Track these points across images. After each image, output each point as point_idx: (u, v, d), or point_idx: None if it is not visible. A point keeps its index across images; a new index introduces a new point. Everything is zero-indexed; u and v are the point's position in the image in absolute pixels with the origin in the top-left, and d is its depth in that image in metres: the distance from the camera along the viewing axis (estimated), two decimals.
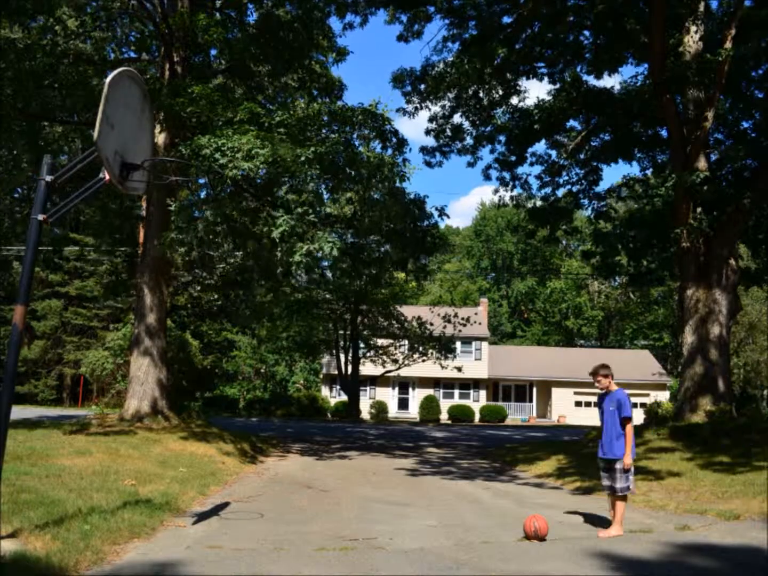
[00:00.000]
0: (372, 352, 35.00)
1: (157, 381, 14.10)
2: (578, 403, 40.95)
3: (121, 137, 5.49)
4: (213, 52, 17.68)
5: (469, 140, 18.51)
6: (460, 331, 32.27)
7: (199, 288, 29.95)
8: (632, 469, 6.43)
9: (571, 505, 8.26)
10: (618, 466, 6.36)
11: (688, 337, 13.99)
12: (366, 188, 13.13)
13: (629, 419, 6.38)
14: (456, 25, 16.53)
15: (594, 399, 42.15)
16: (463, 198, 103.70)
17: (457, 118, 18.32)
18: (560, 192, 19.03)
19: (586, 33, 16.86)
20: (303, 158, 11.08)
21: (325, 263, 15.09)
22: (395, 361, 34.42)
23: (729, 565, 5.42)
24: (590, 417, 38.38)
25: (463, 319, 31.55)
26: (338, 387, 37.38)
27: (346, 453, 15.18)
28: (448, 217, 15.23)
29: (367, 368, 35.93)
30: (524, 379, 42.10)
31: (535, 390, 41.87)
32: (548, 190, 18.93)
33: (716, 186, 14.75)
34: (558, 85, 17.64)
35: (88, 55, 16.23)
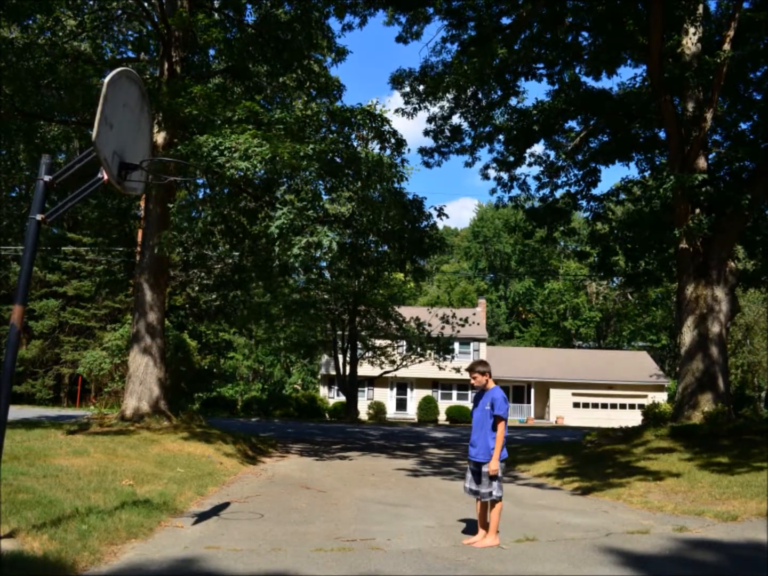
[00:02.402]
0: (370, 353, 34.99)
1: (157, 380, 14.09)
2: (576, 404, 41.02)
3: (120, 137, 5.49)
4: (211, 52, 17.69)
5: (467, 141, 18.55)
6: (458, 331, 32.27)
7: (197, 288, 29.95)
8: (501, 475, 6.00)
9: (570, 506, 8.27)
10: (485, 470, 5.95)
11: (687, 334, 14.00)
12: (365, 187, 13.13)
13: (502, 419, 5.94)
14: (455, 26, 16.54)
15: (593, 400, 42.45)
16: (462, 199, 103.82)
17: (455, 119, 18.35)
18: (558, 193, 19.08)
19: (585, 34, 16.89)
20: (302, 154, 11.07)
21: (323, 263, 15.07)
22: (393, 361, 34.41)
23: (730, 559, 5.43)
24: (588, 418, 38.46)
25: (461, 319, 31.55)
26: (336, 387, 37.38)
27: (347, 453, 15.17)
28: (447, 217, 15.19)
29: (365, 369, 35.92)
30: (522, 380, 42.13)
31: (533, 391, 41.90)
32: (546, 191, 18.97)
33: (715, 187, 14.77)
34: (557, 86, 17.66)
35: (86, 55, 16.23)
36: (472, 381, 6.16)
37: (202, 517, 6.85)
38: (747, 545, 6.00)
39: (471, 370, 6.16)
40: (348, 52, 17.64)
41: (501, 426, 5.93)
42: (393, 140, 13.67)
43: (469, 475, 6.19)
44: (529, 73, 17.69)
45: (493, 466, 5.87)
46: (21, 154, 16.52)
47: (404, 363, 34.28)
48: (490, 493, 5.92)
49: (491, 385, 6.14)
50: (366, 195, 13.52)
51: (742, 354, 41.96)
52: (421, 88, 16.71)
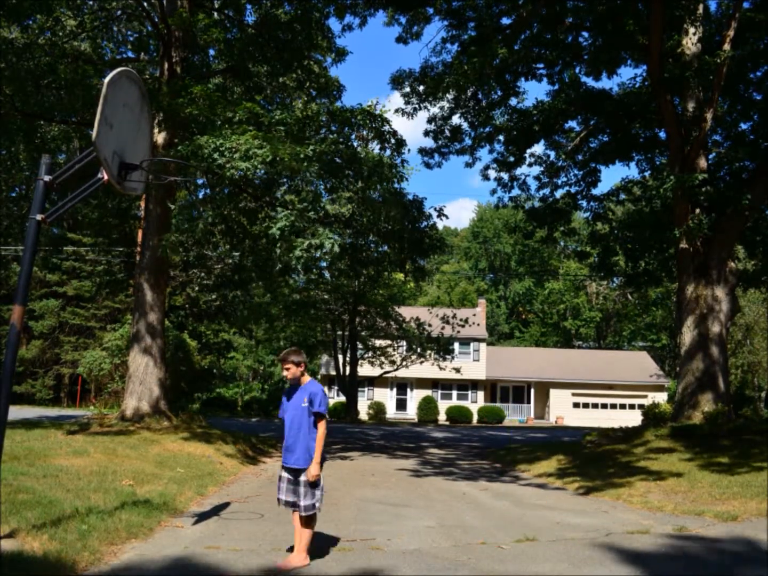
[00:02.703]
0: (370, 353, 34.98)
1: (157, 380, 14.09)
2: (576, 404, 41.01)
3: (120, 137, 5.49)
4: (211, 52, 17.70)
5: (467, 141, 18.55)
6: (458, 332, 32.29)
7: (197, 288, 29.97)
8: (322, 483, 5.23)
9: (570, 506, 8.27)
10: (303, 478, 5.15)
11: (687, 334, 14.01)
12: (365, 188, 13.14)
13: (324, 417, 5.18)
14: (455, 27, 16.55)
15: (593, 400, 42.43)
16: (461, 200, 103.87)
17: (455, 119, 18.36)
18: (558, 193, 19.09)
19: (585, 34, 16.89)
20: (302, 156, 11.08)
21: (324, 263, 15.09)
22: (393, 362, 34.41)
23: (730, 559, 5.43)
24: (588, 418, 38.46)
25: (461, 320, 31.55)
26: (336, 388, 37.39)
27: (347, 454, 15.17)
28: (447, 217, 15.18)
29: (365, 369, 35.92)
30: (522, 380, 42.12)
31: (533, 391, 41.88)
32: (546, 191, 18.98)
33: (715, 187, 14.78)
34: (557, 86, 17.66)
35: (86, 55, 16.24)
36: (285, 372, 5.25)
37: (202, 517, 6.85)
38: (747, 545, 6.00)
39: (284, 360, 5.24)
40: (348, 53, 17.64)
41: (322, 425, 5.19)
42: (393, 140, 13.68)
43: (283, 484, 5.27)
44: (529, 73, 17.70)
45: (314, 471, 5.11)
46: (21, 154, 16.53)
47: (404, 363, 34.28)
48: (313, 505, 5.16)
49: (307, 378, 5.33)
50: (366, 195, 13.53)
51: (742, 354, 41.96)
52: (421, 88, 16.72)
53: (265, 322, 33.29)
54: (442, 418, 38.66)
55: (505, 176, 19.04)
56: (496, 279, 67.04)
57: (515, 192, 19.17)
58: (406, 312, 36.83)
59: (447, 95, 16.79)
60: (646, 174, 18.97)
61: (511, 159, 18.71)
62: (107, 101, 5.14)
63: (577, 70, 17.48)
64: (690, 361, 13.85)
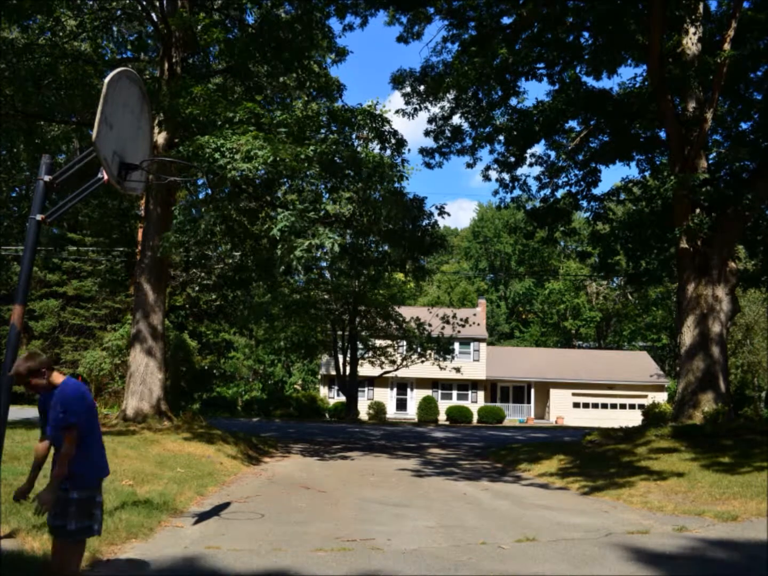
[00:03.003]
0: (370, 353, 34.97)
1: (158, 380, 14.09)
2: (576, 404, 41.00)
3: (120, 137, 5.49)
4: (211, 52, 17.69)
5: (468, 141, 18.56)
6: (459, 331, 32.28)
7: (197, 288, 29.98)
8: (82, 504, 4.00)
9: (571, 506, 8.26)
10: (67, 495, 3.94)
11: (687, 334, 14.01)
12: (366, 188, 13.13)
13: (68, 427, 3.92)
14: (455, 26, 16.55)
15: (593, 400, 42.34)
16: (459, 200, 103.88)
17: (456, 120, 18.37)
18: (559, 193, 19.09)
19: (586, 34, 16.88)
20: (303, 156, 11.07)
21: (324, 263, 15.10)
22: (393, 362, 34.40)
23: (730, 559, 5.42)
24: (588, 418, 38.47)
25: (461, 320, 31.55)
26: (337, 387, 37.38)
27: (348, 454, 15.17)
28: (448, 215, 15.18)
29: (366, 369, 35.91)
30: (522, 380, 42.10)
31: (533, 391, 41.87)
32: (547, 191, 18.98)
33: (715, 187, 14.78)
34: (557, 86, 17.66)
35: (86, 55, 16.23)
36: (31, 390, 4.09)
37: (202, 517, 6.85)
38: (747, 545, 5.99)
39: (18, 377, 4.02)
40: (348, 53, 17.63)
41: (68, 438, 3.97)
42: (393, 140, 13.68)
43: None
44: (530, 73, 17.68)
45: (44, 497, 3.87)
46: (21, 154, 16.54)
47: (404, 363, 34.27)
48: (73, 531, 3.96)
49: (58, 379, 4.10)
50: (367, 195, 13.52)
51: (742, 354, 41.92)
52: (422, 88, 16.73)
53: (265, 322, 33.29)
54: (442, 418, 38.65)
55: (506, 177, 19.07)
56: (496, 279, 67.03)
57: (516, 192, 19.19)
58: (406, 312, 36.83)
59: (447, 95, 16.80)
60: (646, 174, 18.97)
61: (512, 159, 18.71)
62: (107, 101, 5.14)
63: (577, 70, 17.47)
64: (690, 360, 13.84)
